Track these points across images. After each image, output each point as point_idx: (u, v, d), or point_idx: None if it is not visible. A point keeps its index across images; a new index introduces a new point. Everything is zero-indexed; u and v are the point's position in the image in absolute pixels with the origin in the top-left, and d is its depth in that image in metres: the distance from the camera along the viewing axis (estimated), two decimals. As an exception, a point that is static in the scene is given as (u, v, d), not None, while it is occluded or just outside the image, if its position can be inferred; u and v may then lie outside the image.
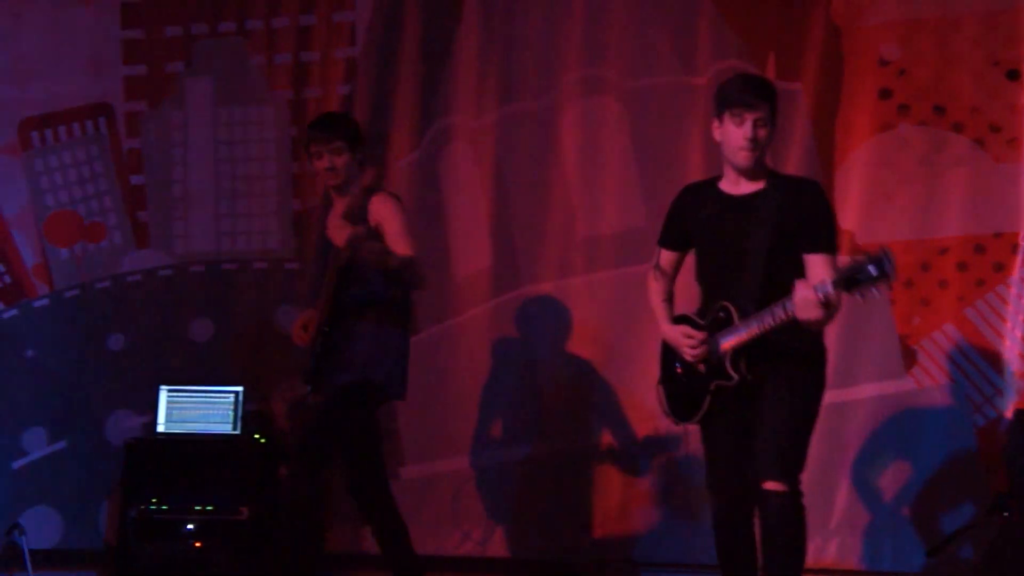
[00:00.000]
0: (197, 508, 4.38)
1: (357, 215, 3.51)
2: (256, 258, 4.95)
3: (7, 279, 4.98)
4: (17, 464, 4.88)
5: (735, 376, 3.06)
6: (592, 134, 4.74)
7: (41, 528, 4.74)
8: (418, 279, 3.66)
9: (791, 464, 3.05)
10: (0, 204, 4.99)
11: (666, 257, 3.39)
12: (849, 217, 4.38)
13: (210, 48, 4.98)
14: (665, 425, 4.12)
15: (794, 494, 3.03)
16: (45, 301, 4.98)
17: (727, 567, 3.24)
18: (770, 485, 3.01)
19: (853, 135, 4.45)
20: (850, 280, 2.76)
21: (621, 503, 4.59)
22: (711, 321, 3.17)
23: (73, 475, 4.84)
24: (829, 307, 2.86)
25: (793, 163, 4.39)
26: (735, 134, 3.11)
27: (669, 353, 3.33)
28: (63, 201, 5.01)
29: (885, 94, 4.42)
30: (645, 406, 4.42)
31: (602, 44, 4.74)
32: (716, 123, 3.18)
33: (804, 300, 2.87)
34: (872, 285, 2.74)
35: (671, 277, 3.42)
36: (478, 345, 4.78)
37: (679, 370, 3.27)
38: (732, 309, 3.09)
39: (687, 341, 3.18)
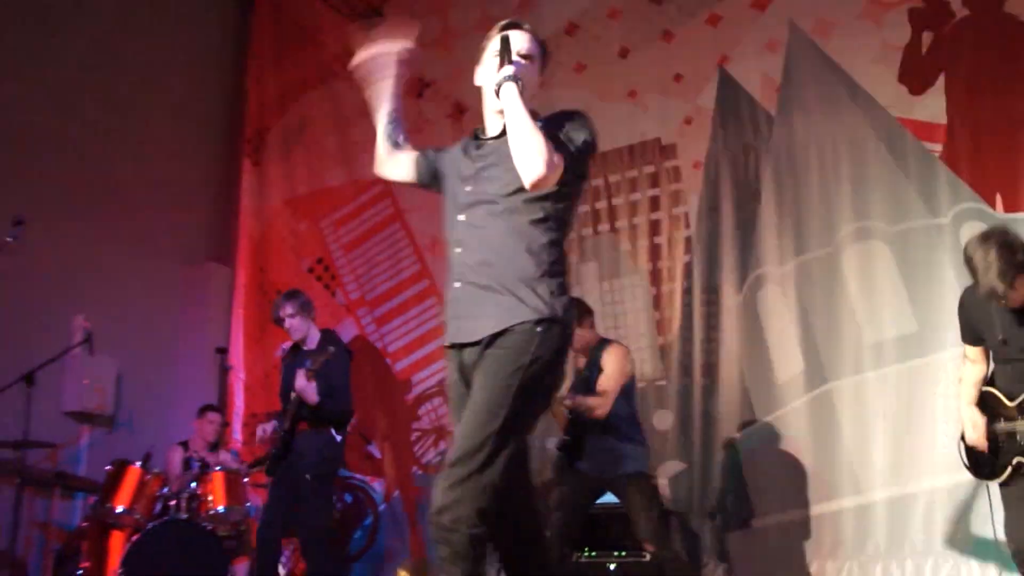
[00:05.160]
0: (615, 554, 5.34)
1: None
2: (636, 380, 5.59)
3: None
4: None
5: None
6: (868, 268, 5.69)
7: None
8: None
9: None
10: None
11: (969, 351, 3.85)
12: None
13: (593, 243, 6.61)
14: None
15: None
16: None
17: None
18: None
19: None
20: None
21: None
22: (1020, 403, 3.54)
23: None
24: None
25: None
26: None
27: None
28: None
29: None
30: (919, 463, 5.26)
31: (867, 202, 5.74)
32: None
33: None
34: None
35: (980, 366, 3.80)
36: (797, 432, 5.64)
37: (988, 438, 3.61)
38: None
39: (974, 429, 3.58)
